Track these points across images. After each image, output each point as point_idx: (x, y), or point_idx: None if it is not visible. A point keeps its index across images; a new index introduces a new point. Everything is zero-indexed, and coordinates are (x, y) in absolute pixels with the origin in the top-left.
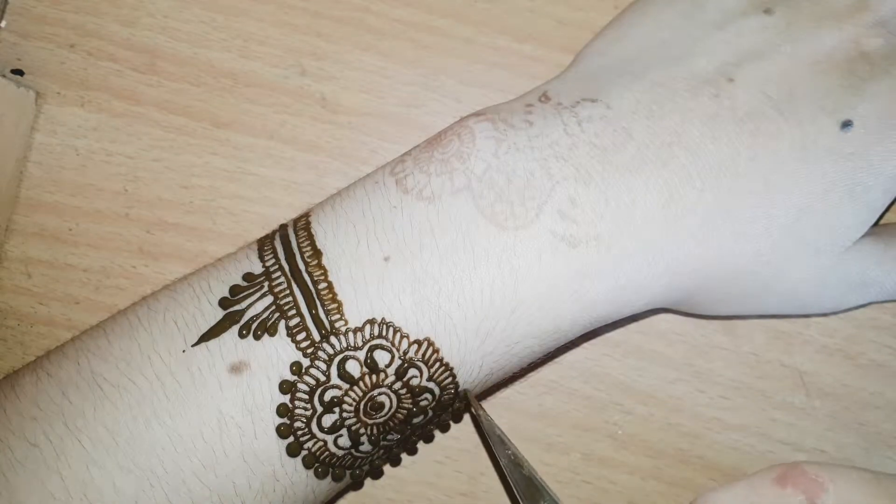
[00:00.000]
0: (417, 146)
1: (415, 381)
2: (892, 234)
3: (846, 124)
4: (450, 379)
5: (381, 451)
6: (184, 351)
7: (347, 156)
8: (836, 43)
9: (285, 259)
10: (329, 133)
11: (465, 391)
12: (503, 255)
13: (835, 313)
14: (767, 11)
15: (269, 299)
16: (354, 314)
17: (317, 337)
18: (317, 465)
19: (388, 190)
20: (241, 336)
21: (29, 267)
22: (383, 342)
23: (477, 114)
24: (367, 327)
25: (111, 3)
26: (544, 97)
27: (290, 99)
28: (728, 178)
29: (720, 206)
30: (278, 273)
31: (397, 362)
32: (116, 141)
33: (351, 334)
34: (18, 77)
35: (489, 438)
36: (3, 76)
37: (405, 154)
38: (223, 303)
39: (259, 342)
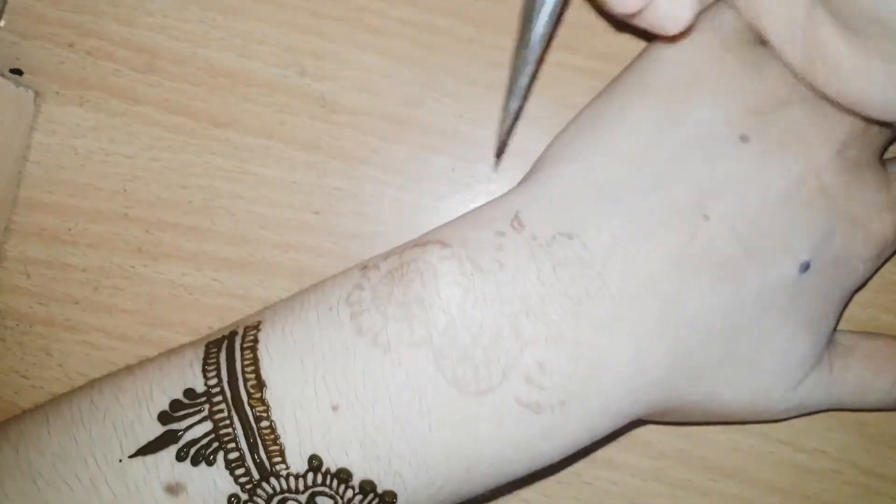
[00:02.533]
0: (377, 266)
1: None
2: (837, 352)
3: (805, 267)
4: None
5: None
6: (120, 461)
7: (347, 155)
8: (802, 175)
9: (227, 382)
10: (328, 133)
11: None
12: (463, 421)
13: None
14: (743, 139)
15: (208, 425)
16: (297, 460)
17: (256, 476)
18: None
19: (341, 324)
20: (179, 458)
21: (28, 267)
22: (326, 489)
23: (443, 244)
24: (310, 475)
25: (110, 2)
26: (517, 222)
27: (289, 98)
28: (694, 327)
29: (683, 355)
30: (219, 398)
31: None
32: (115, 140)
33: (292, 479)
34: (17, 76)
35: None
36: (2, 76)
37: (365, 271)
38: (162, 418)
39: (197, 468)
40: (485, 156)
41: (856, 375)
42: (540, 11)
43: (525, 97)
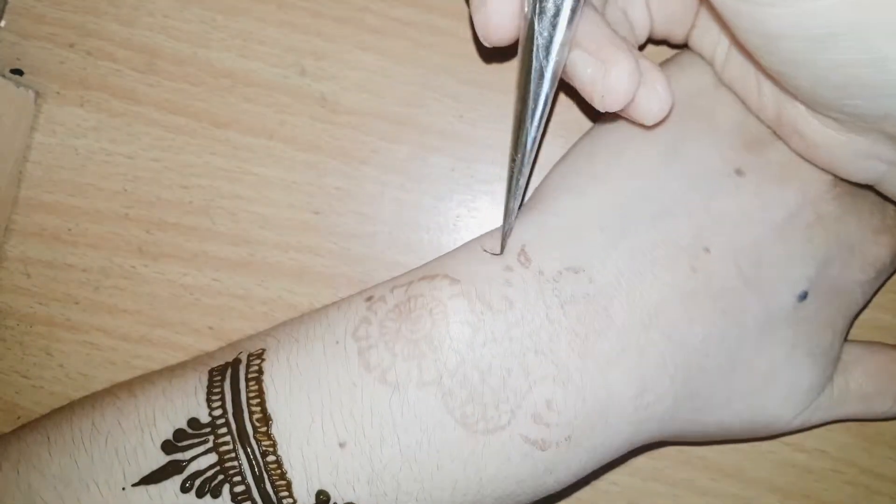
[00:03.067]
0: (384, 299)
1: None
2: (838, 368)
3: (803, 296)
4: None
5: None
6: (123, 489)
7: (347, 156)
8: (799, 207)
9: (233, 414)
10: (329, 133)
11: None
12: (470, 459)
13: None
14: (739, 172)
15: (213, 457)
16: (304, 494)
17: None
18: None
19: (348, 359)
20: (184, 490)
21: (28, 267)
22: None
23: (451, 278)
24: None
25: (111, 2)
26: (524, 257)
27: (289, 99)
28: (698, 359)
29: (687, 389)
30: (224, 430)
31: None
32: (116, 141)
33: None
34: (18, 77)
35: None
36: (3, 76)
37: (371, 303)
38: (166, 447)
39: (202, 500)
40: (485, 156)
41: (858, 391)
42: (532, 116)
43: (524, 195)
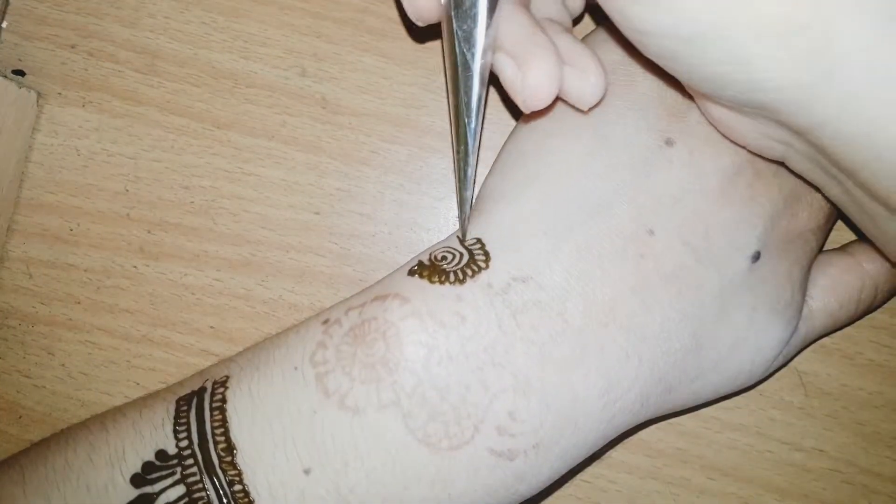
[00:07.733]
0: (339, 322)
1: None
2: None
3: (756, 257)
4: None
5: None
6: None
7: (347, 156)
8: (736, 167)
9: (198, 445)
10: (329, 133)
11: None
12: (437, 478)
13: None
14: (669, 142)
15: (182, 489)
16: None
17: None
18: None
19: (307, 386)
20: None
21: (30, 267)
22: None
23: (402, 298)
24: None
25: (112, 4)
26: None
27: (290, 100)
28: (661, 345)
29: (654, 376)
30: (191, 461)
31: None
32: (117, 141)
33: None
34: (20, 78)
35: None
36: (5, 77)
37: (327, 326)
38: (135, 480)
39: None
40: (483, 157)
41: (823, 311)
42: (467, 109)
43: (475, 183)
